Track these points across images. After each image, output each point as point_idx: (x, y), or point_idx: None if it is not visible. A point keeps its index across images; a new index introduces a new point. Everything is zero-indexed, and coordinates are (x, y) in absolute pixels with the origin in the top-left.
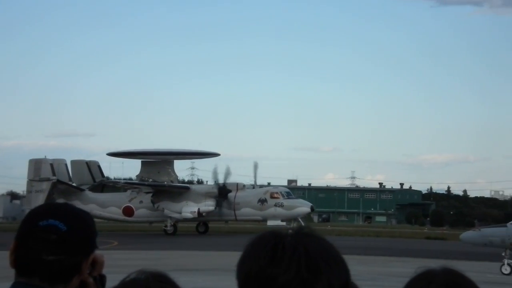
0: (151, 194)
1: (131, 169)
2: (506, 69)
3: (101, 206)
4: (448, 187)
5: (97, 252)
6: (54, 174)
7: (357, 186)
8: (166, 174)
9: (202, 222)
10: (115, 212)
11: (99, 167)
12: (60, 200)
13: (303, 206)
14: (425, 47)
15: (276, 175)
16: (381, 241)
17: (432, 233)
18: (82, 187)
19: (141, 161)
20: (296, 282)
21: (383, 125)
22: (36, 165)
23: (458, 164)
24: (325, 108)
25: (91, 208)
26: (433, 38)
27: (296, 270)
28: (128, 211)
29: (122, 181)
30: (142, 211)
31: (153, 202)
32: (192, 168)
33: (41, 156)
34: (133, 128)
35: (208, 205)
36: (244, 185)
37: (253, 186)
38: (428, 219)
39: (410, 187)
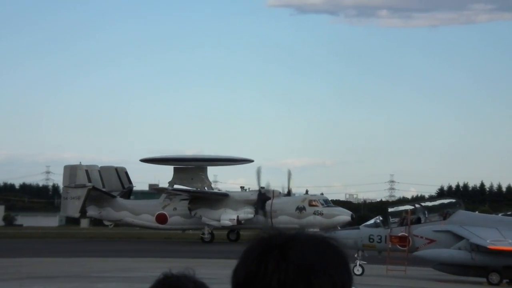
0: (186, 201)
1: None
2: (360, 75)
3: (133, 213)
4: (306, 190)
5: None
6: (89, 180)
7: (219, 190)
8: (199, 181)
9: (236, 230)
10: (148, 219)
11: (126, 173)
12: (91, 207)
13: (343, 215)
14: (285, 54)
15: (138, 180)
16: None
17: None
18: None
19: (174, 167)
20: None
21: (243, 128)
22: (71, 171)
23: (316, 168)
24: (188, 111)
25: (124, 215)
26: (293, 45)
27: (277, 284)
28: (161, 218)
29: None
30: (176, 219)
31: (190, 209)
32: None
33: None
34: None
35: (247, 213)
36: (280, 192)
37: (289, 194)
38: None
39: None
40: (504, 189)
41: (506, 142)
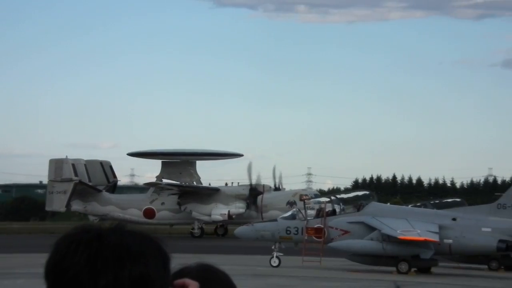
0: (175, 196)
1: None
2: (278, 70)
3: (120, 208)
4: (226, 184)
5: None
6: (76, 174)
7: (136, 184)
8: (188, 175)
9: (224, 225)
10: (136, 214)
11: (111, 167)
12: (76, 201)
13: None
14: (202, 47)
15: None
16: None
17: (208, 229)
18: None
19: (162, 161)
20: (82, 275)
21: (165, 121)
22: (57, 165)
23: (235, 161)
24: (104, 104)
25: (110, 209)
26: (211, 39)
27: (84, 264)
28: (149, 213)
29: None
30: (164, 213)
31: (180, 204)
32: None
33: None
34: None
35: (238, 207)
36: (270, 187)
37: (279, 188)
38: None
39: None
40: (414, 181)
41: (417, 136)
